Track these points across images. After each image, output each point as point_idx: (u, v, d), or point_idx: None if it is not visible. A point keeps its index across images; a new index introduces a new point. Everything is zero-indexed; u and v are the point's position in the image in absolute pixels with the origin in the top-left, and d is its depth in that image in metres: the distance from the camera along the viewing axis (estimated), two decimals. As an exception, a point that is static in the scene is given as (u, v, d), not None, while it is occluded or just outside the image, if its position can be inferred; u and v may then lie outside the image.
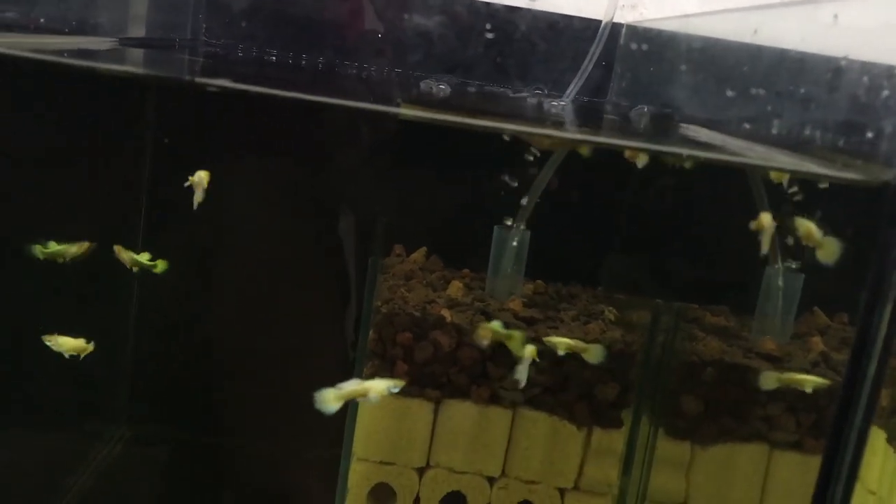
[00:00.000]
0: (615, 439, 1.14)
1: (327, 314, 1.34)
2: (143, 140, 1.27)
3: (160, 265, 1.09)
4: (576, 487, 1.15)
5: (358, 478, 1.13)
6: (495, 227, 1.21)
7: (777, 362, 1.14)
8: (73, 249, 1.04)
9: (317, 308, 1.34)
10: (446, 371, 1.13)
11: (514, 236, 1.19)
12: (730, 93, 0.93)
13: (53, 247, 1.03)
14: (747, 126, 0.93)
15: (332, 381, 1.24)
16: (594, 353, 1.07)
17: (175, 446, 1.36)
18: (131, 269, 1.07)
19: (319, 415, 1.31)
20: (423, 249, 1.34)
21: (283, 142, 1.30)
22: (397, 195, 1.34)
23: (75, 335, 1.19)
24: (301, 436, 1.31)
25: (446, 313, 1.14)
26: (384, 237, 1.28)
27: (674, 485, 1.14)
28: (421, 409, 1.13)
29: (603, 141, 0.99)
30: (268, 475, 1.31)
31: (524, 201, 1.19)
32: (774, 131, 0.87)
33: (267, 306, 1.33)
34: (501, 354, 1.13)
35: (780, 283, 1.18)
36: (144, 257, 1.08)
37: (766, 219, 0.99)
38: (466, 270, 1.30)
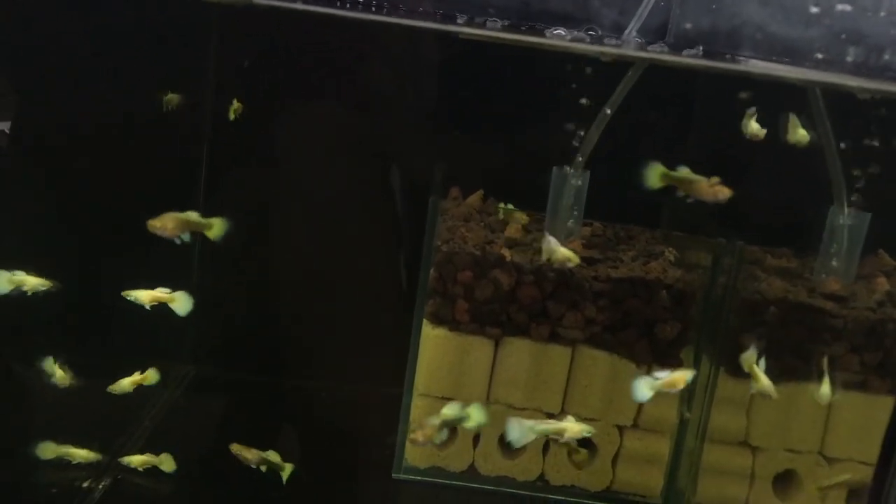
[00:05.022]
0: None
1: (385, 256, 1.36)
2: (207, 73, 1.29)
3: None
4: (635, 425, 1.16)
5: (419, 413, 1.15)
6: (554, 168, 1.20)
7: (841, 302, 1.13)
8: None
9: (375, 250, 1.36)
10: (506, 309, 1.14)
11: (573, 177, 1.19)
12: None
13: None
14: (819, 56, 0.91)
15: (391, 322, 1.26)
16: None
17: (238, 386, 1.40)
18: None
19: (379, 353, 1.33)
20: (480, 192, 1.34)
21: (341, 78, 1.30)
22: (453, 137, 1.33)
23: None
24: (362, 374, 1.33)
25: (506, 252, 1.15)
26: (441, 179, 1.29)
27: (734, 423, 1.14)
28: (481, 347, 1.14)
29: (666, 58, 0.97)
30: (330, 413, 1.34)
31: (583, 137, 1.17)
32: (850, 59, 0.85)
33: (327, 248, 1.34)
34: (561, 293, 1.13)
35: (845, 222, 1.16)
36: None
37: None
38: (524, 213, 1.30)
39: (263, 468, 1.08)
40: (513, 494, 1.18)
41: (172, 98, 1.17)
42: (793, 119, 1.04)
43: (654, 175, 0.92)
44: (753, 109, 1.06)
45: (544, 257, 1.05)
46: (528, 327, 1.14)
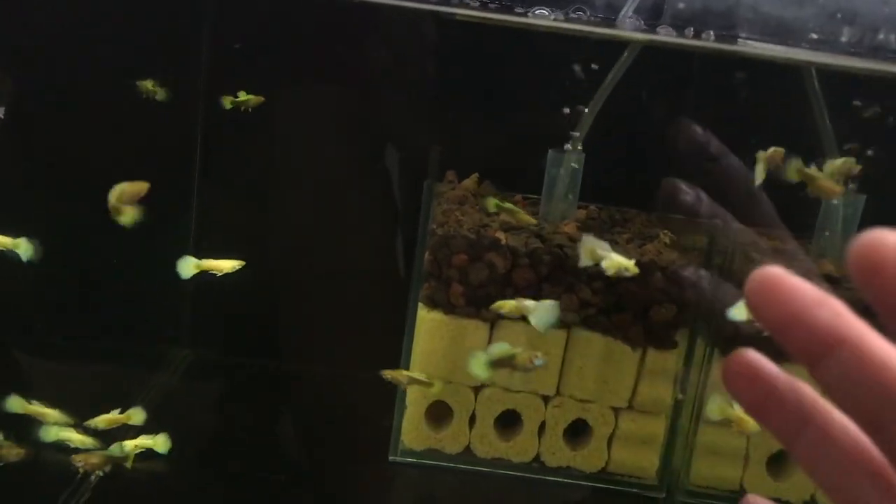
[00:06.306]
0: (670, 360, 1.14)
1: (381, 240, 1.36)
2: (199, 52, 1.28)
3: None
4: (630, 407, 1.16)
5: (416, 396, 1.16)
6: (550, 151, 1.20)
7: (836, 283, 1.13)
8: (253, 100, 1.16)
9: (371, 234, 1.36)
10: (501, 292, 1.13)
11: (568, 159, 1.18)
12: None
13: (242, 96, 1.14)
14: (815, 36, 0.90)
15: (387, 306, 1.26)
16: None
17: (235, 370, 1.40)
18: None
19: (376, 336, 1.33)
20: (475, 176, 1.34)
21: (336, 59, 1.30)
22: (449, 120, 1.33)
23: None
24: (358, 357, 1.33)
25: (501, 235, 1.15)
26: (437, 162, 1.28)
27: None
28: (477, 330, 1.14)
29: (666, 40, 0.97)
30: (326, 396, 1.35)
31: (579, 119, 1.17)
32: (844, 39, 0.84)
33: (324, 231, 1.35)
34: (557, 276, 1.13)
35: (841, 204, 1.16)
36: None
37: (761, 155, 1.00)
38: (519, 196, 1.30)
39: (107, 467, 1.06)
40: (508, 476, 1.18)
41: (148, 85, 1.15)
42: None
43: (792, 169, 0.96)
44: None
45: (584, 262, 0.92)
46: (523, 310, 1.14)
